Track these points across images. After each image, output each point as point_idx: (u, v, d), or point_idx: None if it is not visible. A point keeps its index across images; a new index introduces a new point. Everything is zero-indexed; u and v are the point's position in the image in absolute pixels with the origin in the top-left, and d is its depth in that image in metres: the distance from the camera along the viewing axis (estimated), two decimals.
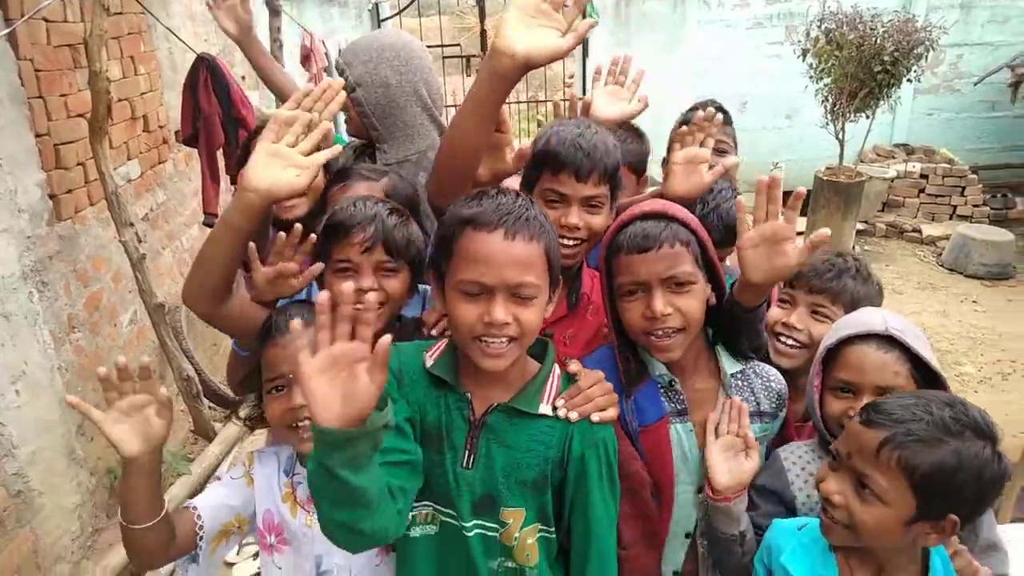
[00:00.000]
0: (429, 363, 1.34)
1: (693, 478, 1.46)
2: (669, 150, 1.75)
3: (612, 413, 1.36)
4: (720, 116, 2.15)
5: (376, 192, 1.74)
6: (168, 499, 3.26)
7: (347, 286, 1.02)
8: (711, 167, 1.70)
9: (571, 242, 1.58)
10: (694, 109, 2.20)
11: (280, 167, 1.39)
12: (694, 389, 1.47)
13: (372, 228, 1.49)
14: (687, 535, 1.50)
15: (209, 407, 3.84)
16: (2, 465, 2.57)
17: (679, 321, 1.36)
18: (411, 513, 1.35)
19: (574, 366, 1.40)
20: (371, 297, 1.43)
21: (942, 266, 7.16)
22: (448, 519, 1.36)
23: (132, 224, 3.24)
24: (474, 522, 1.33)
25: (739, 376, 1.48)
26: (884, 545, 1.22)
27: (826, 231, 1.32)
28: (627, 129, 2.16)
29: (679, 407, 1.45)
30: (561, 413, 1.32)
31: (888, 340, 1.36)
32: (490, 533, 1.34)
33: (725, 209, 1.81)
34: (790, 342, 1.68)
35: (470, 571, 1.35)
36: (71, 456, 2.99)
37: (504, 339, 1.23)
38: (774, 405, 1.49)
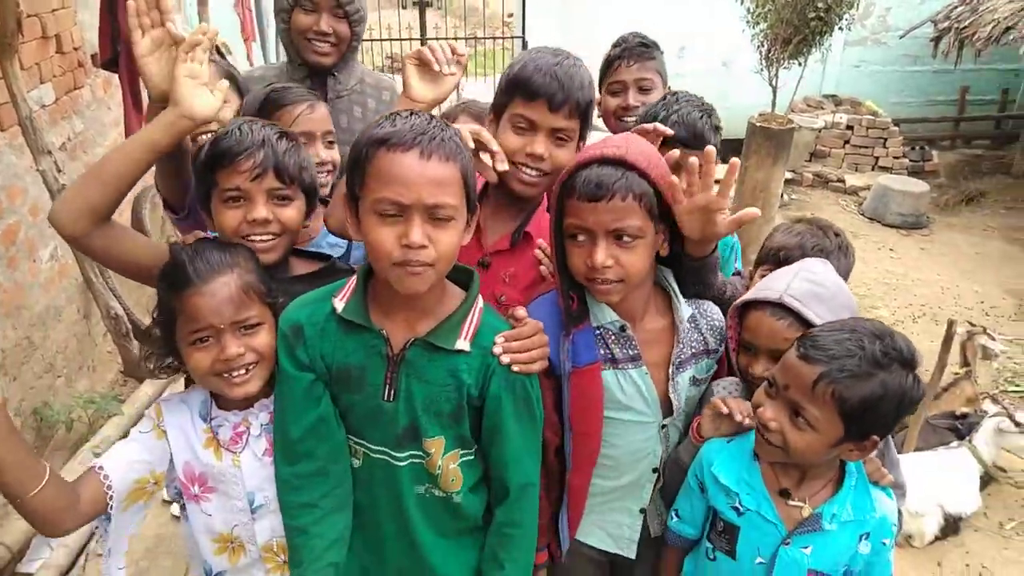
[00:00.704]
0: (340, 307, 1.33)
1: (656, 417, 1.51)
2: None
3: (537, 367, 1.38)
4: (650, 56, 2.17)
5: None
6: (100, 440, 3.19)
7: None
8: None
9: (533, 172, 1.57)
10: (617, 45, 2.20)
11: (203, 91, 1.43)
12: (645, 331, 1.50)
13: (262, 154, 1.42)
14: (654, 470, 1.56)
15: (140, 348, 3.71)
16: None
17: (619, 273, 1.37)
18: None
19: (521, 312, 1.40)
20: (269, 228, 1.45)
21: (863, 215, 7.49)
22: (373, 453, 1.38)
23: (50, 152, 3.04)
24: (407, 452, 1.36)
25: (689, 319, 1.52)
26: (809, 462, 1.33)
27: (755, 211, 1.38)
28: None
29: (631, 352, 1.47)
30: (496, 351, 1.33)
31: (782, 307, 1.41)
32: (418, 462, 1.37)
33: (686, 113, 1.79)
34: None
35: (396, 498, 1.39)
36: None
37: (421, 264, 1.22)
38: (717, 341, 1.55)
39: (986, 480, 3.61)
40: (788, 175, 7.91)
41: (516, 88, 1.56)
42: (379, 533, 1.44)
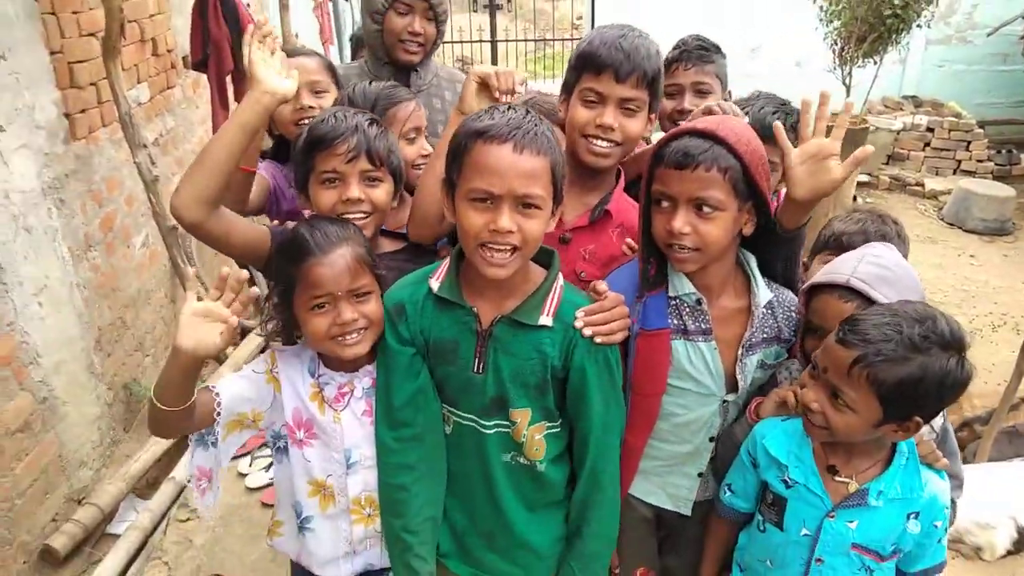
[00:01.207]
0: (435, 287, 1.44)
1: (720, 392, 1.55)
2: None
3: (619, 337, 1.45)
4: (709, 59, 2.13)
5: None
6: None
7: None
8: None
9: (604, 144, 1.63)
10: (676, 48, 2.18)
11: (277, 72, 1.56)
12: (720, 307, 1.54)
13: (355, 138, 1.55)
14: (711, 439, 1.61)
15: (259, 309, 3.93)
16: (28, 372, 2.68)
17: (695, 241, 1.41)
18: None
19: (602, 286, 1.48)
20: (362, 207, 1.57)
21: (943, 220, 7.19)
22: (463, 420, 1.48)
23: (145, 146, 3.28)
24: (494, 421, 1.46)
25: (766, 305, 1.55)
26: (854, 440, 1.36)
27: (870, 148, 1.39)
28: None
29: (703, 326, 1.52)
30: (578, 324, 1.41)
31: (850, 290, 1.43)
32: (504, 431, 1.46)
33: (758, 108, 1.84)
34: None
35: (484, 465, 1.49)
36: (90, 370, 3.10)
37: (507, 248, 1.32)
38: (791, 331, 1.58)
39: None
40: (863, 178, 7.69)
41: (584, 63, 1.63)
42: (470, 497, 1.54)
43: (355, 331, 1.45)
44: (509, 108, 1.36)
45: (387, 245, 1.72)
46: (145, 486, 3.18)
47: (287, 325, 1.53)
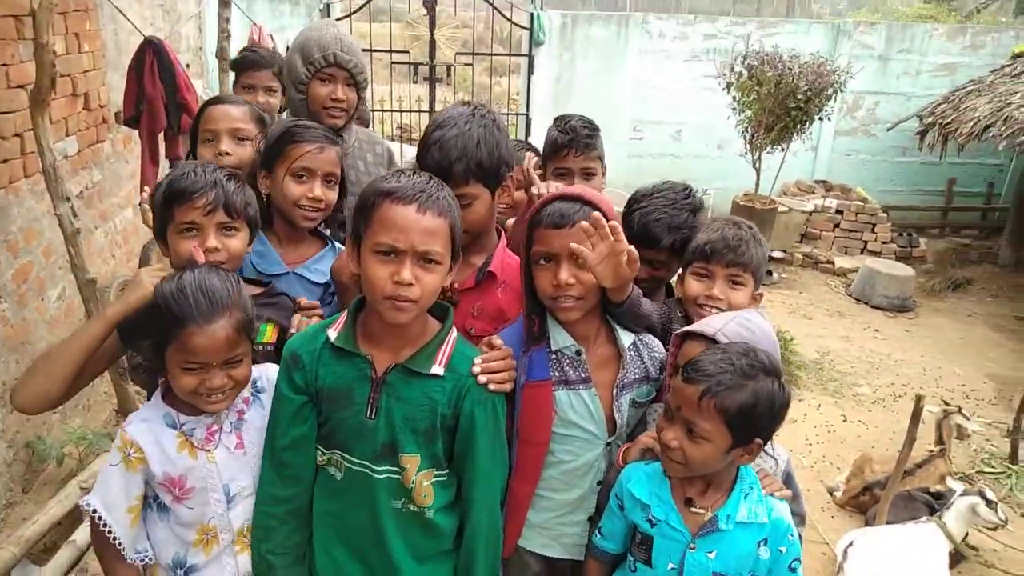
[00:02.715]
0: (333, 337, 1.53)
1: (603, 436, 1.69)
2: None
3: (508, 387, 1.58)
4: (594, 145, 2.31)
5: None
6: (88, 475, 3.27)
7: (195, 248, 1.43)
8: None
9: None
10: (565, 132, 2.29)
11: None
12: (595, 355, 1.70)
13: (213, 192, 1.64)
14: (599, 483, 1.72)
15: (135, 390, 3.83)
16: None
17: (580, 291, 1.58)
18: (324, 457, 1.58)
19: (496, 340, 1.61)
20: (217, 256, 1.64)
21: (850, 296, 7.66)
22: (354, 466, 1.54)
23: (68, 199, 3.24)
24: (385, 467, 1.52)
25: (631, 348, 1.71)
26: (709, 471, 1.51)
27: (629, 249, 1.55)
28: (520, 143, 2.44)
29: (583, 375, 1.66)
30: (476, 370, 1.52)
31: (715, 342, 1.57)
32: (395, 476, 1.53)
33: (644, 216, 2.02)
34: (714, 311, 1.87)
35: (374, 511, 1.55)
36: None
37: (407, 299, 1.42)
38: (657, 370, 1.75)
39: (956, 558, 3.64)
40: (778, 254, 8.15)
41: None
42: (361, 546, 1.58)
43: (222, 392, 1.50)
44: (415, 172, 1.50)
45: (246, 290, 1.74)
46: (42, 551, 3.02)
47: (153, 369, 1.54)
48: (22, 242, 3.30)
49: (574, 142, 2.26)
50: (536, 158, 2.37)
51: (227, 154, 2.06)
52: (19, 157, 3.26)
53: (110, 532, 1.52)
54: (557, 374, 1.66)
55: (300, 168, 1.87)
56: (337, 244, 2.00)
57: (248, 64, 3.04)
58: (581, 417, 1.66)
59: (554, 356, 1.66)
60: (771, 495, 1.57)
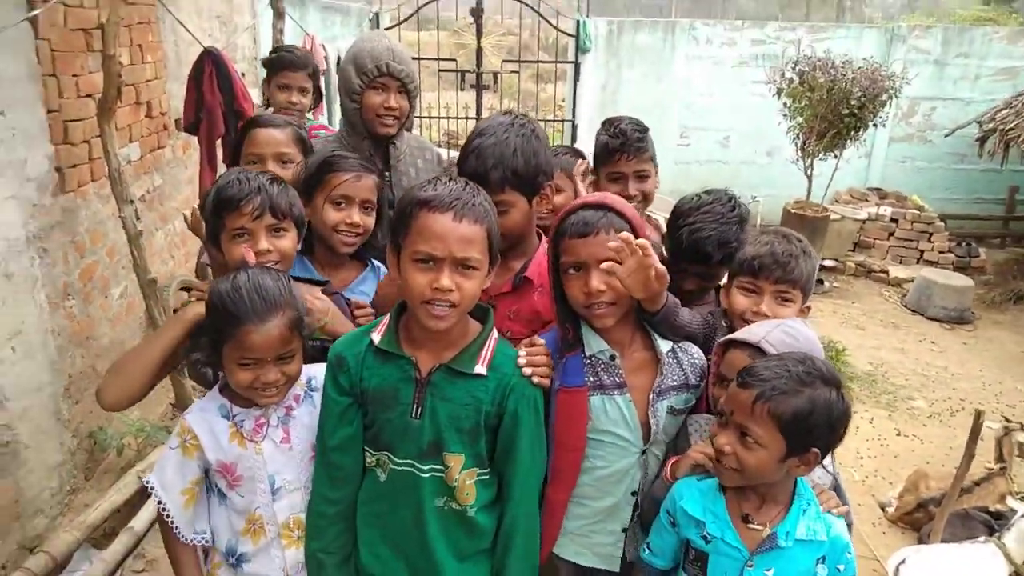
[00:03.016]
0: (377, 340, 1.57)
1: (638, 443, 1.68)
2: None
3: (547, 382, 1.61)
4: (646, 148, 2.28)
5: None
6: (145, 466, 3.40)
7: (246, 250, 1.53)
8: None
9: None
10: (616, 136, 2.27)
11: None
12: (631, 359, 1.70)
13: (259, 198, 1.71)
14: (633, 493, 1.71)
15: (191, 385, 3.97)
16: None
17: (612, 296, 1.59)
18: (373, 458, 1.61)
19: (539, 340, 1.66)
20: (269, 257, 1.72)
21: (905, 307, 7.44)
22: (399, 466, 1.58)
23: (132, 202, 3.39)
24: (430, 465, 1.56)
25: (670, 354, 1.71)
26: (765, 480, 1.48)
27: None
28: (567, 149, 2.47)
29: (617, 380, 1.66)
30: (520, 362, 1.56)
31: (759, 350, 1.56)
32: (439, 475, 1.56)
33: (693, 233, 1.96)
34: None
35: (418, 510, 1.58)
36: (57, 416, 3.12)
37: (447, 304, 1.46)
38: (697, 378, 1.73)
39: None
40: (830, 263, 7.97)
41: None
42: (404, 545, 1.61)
43: (275, 386, 1.58)
44: (451, 179, 1.53)
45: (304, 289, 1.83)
46: (102, 536, 3.15)
47: (213, 364, 1.63)
48: (88, 243, 3.45)
49: (625, 146, 2.24)
50: (585, 163, 2.37)
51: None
52: (87, 162, 3.42)
53: (165, 510, 1.60)
54: (592, 379, 1.66)
55: (339, 196, 1.94)
56: (379, 265, 2.06)
57: (285, 64, 3.11)
58: (615, 423, 1.66)
59: (588, 361, 1.67)
60: (829, 511, 1.53)
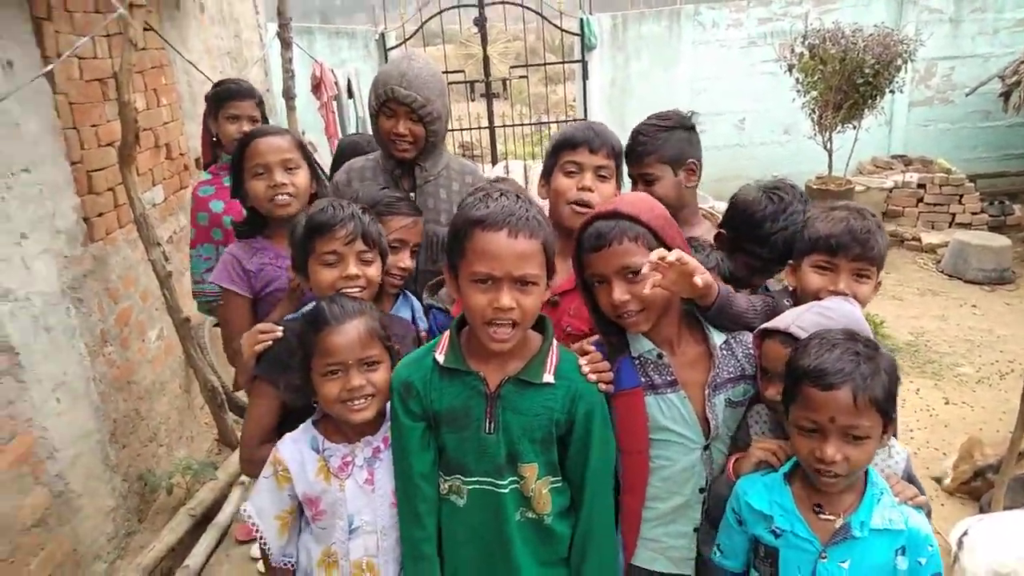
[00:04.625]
0: (441, 359, 1.56)
1: (699, 439, 1.65)
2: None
3: (612, 388, 1.61)
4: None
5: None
6: (196, 503, 3.45)
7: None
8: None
9: (582, 209, 1.85)
10: (656, 116, 2.25)
11: None
12: (684, 355, 1.67)
13: (352, 224, 1.76)
14: (701, 490, 1.68)
15: (233, 419, 4.02)
16: (45, 467, 2.76)
17: (637, 304, 1.57)
18: (446, 485, 1.60)
19: (589, 346, 1.68)
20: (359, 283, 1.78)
21: (942, 272, 7.27)
22: (478, 485, 1.57)
23: (159, 244, 3.45)
24: (509, 479, 1.55)
25: (724, 346, 1.67)
26: (866, 467, 1.44)
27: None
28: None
29: (668, 378, 1.63)
30: (585, 369, 1.58)
31: (790, 336, 1.52)
32: (517, 487, 1.56)
33: (787, 235, 1.92)
34: None
35: (501, 525, 1.57)
36: (105, 462, 3.18)
37: (508, 322, 1.45)
38: (754, 367, 1.67)
39: None
40: None
41: (560, 145, 1.93)
42: (489, 563, 1.60)
43: (363, 397, 1.59)
44: (501, 195, 1.50)
45: None
46: None
47: (305, 389, 1.66)
48: (121, 288, 3.52)
49: (631, 153, 2.21)
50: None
51: (283, 184, 2.09)
52: (112, 210, 3.48)
53: (260, 536, 1.66)
54: (644, 379, 1.64)
55: (395, 240, 1.98)
56: (411, 296, 2.10)
57: (232, 94, 3.05)
58: (673, 421, 1.63)
59: (638, 362, 1.65)
60: (906, 503, 1.47)
